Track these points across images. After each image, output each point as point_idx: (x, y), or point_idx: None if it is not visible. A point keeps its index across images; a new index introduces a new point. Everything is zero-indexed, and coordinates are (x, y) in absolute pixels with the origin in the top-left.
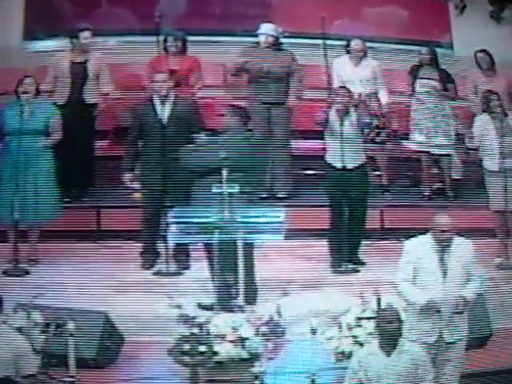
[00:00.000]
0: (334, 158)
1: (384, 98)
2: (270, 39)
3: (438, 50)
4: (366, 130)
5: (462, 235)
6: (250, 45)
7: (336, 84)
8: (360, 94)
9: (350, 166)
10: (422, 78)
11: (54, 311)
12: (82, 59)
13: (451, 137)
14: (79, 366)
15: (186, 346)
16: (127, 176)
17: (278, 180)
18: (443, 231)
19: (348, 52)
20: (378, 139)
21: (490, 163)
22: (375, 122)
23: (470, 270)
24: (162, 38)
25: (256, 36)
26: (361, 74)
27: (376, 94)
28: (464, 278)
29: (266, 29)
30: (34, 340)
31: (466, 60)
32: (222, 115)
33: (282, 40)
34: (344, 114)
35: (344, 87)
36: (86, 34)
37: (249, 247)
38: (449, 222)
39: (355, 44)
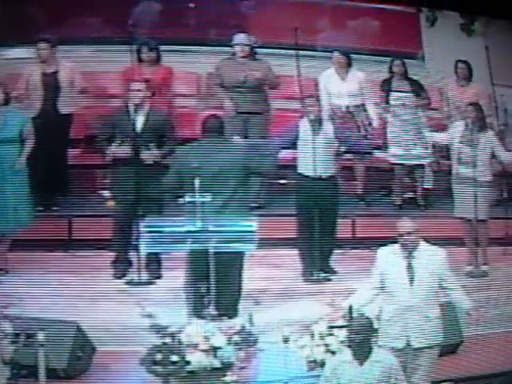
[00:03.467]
0: (305, 168)
1: (371, 109)
2: (246, 49)
3: (410, 61)
4: (342, 147)
5: (433, 243)
6: (226, 55)
7: (323, 97)
8: (347, 107)
9: (321, 175)
10: (395, 91)
11: (24, 321)
12: (53, 69)
13: (427, 147)
14: (49, 377)
15: (158, 356)
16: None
17: (250, 189)
18: (408, 233)
19: (333, 64)
20: (353, 151)
21: (461, 172)
22: (353, 138)
23: (441, 278)
24: (135, 47)
25: (231, 46)
26: (347, 88)
27: (363, 106)
28: (434, 286)
29: (241, 39)
30: (4, 350)
31: (437, 71)
32: (198, 125)
33: (257, 50)
34: (317, 124)
35: (314, 97)
36: (43, 45)
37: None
38: (412, 225)
39: (336, 57)
